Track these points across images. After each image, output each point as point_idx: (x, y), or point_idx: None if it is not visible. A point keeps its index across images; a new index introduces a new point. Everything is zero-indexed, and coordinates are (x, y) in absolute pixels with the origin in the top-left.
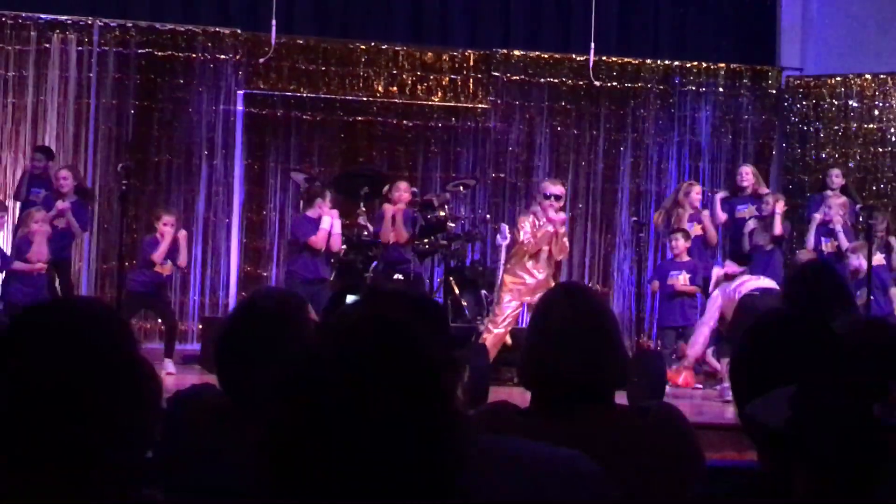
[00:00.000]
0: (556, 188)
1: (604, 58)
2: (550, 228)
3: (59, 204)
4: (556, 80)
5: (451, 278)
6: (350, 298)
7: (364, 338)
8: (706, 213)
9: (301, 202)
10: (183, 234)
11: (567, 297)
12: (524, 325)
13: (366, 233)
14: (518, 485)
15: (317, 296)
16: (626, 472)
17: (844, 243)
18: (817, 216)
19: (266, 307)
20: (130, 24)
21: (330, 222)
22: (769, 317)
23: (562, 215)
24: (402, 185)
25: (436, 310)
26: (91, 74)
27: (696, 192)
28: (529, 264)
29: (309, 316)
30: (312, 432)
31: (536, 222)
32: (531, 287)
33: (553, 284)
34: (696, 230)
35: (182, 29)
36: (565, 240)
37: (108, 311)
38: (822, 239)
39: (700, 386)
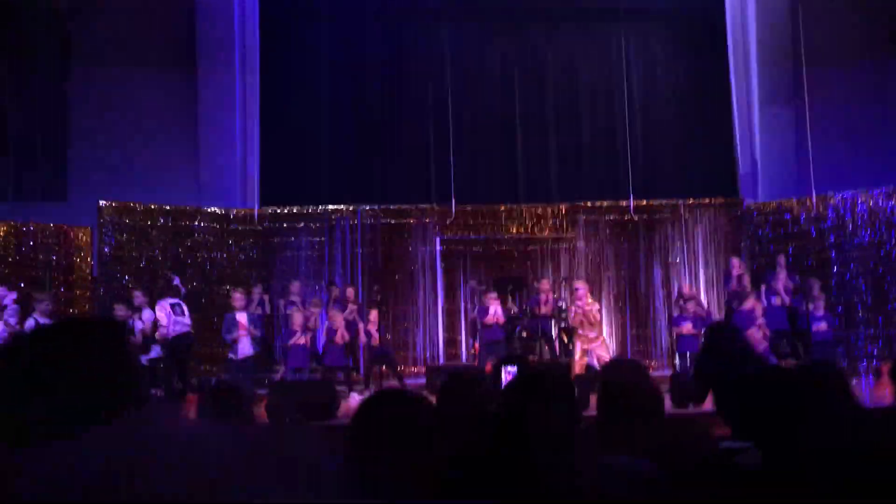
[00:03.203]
0: (577, 284)
1: (638, 202)
2: (580, 311)
3: (351, 306)
4: (612, 217)
5: (563, 333)
6: (505, 367)
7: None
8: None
9: (475, 297)
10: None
11: (627, 362)
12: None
13: (513, 311)
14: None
15: (497, 350)
16: (670, 452)
17: (786, 299)
18: (772, 283)
19: (462, 376)
20: (377, 206)
21: (494, 308)
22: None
23: (584, 301)
24: (546, 281)
25: (568, 387)
26: (356, 236)
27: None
28: (580, 330)
29: (478, 391)
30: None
31: (574, 308)
32: (585, 340)
33: (598, 337)
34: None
35: (405, 207)
36: (594, 313)
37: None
38: (772, 298)
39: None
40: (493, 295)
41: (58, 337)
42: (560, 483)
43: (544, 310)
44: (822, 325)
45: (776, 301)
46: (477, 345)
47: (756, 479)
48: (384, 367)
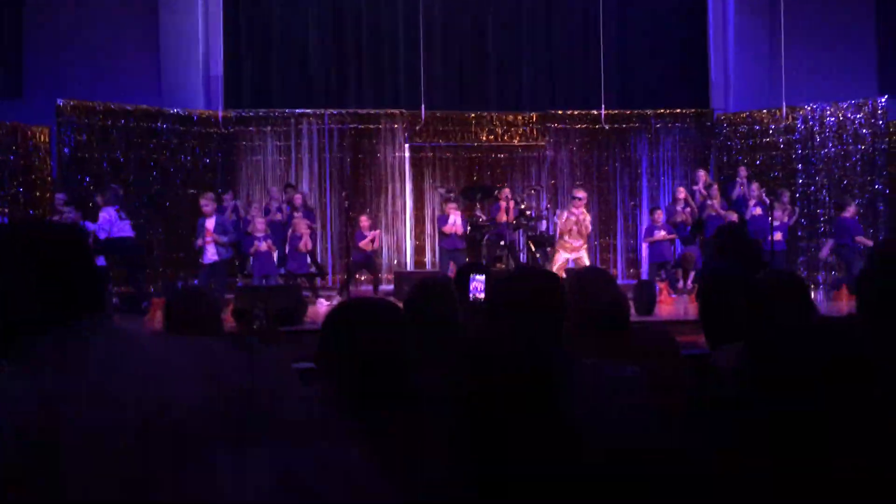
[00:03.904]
0: (579, 192)
1: (610, 111)
2: (573, 218)
3: (297, 213)
4: (583, 126)
5: (531, 242)
6: (474, 277)
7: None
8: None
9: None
10: (378, 232)
11: (595, 271)
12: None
13: (481, 219)
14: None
15: (456, 258)
16: (637, 359)
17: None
18: (744, 194)
19: (429, 284)
20: (345, 111)
21: (454, 218)
22: (715, 276)
23: (581, 209)
24: (507, 190)
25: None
26: (325, 141)
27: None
28: (566, 237)
29: (452, 291)
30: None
31: (568, 214)
32: (569, 248)
33: (582, 246)
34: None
35: (373, 112)
36: (587, 223)
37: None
38: (753, 208)
39: (675, 295)
40: (454, 204)
41: (14, 239)
42: (555, 390)
43: (505, 218)
44: (778, 235)
45: (758, 210)
46: None
47: (733, 379)
48: (364, 273)
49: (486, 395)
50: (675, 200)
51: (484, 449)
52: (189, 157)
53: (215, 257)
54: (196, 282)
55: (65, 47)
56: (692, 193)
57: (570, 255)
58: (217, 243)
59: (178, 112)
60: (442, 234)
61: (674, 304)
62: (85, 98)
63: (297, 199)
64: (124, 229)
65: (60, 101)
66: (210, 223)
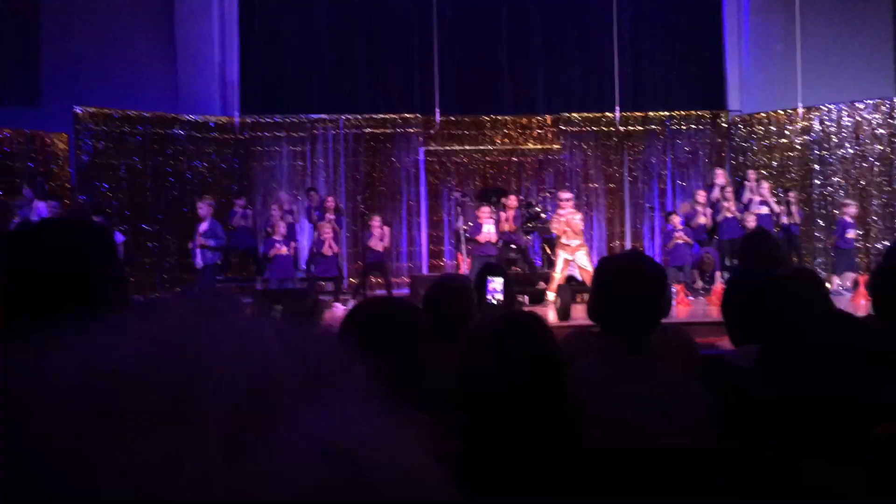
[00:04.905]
0: (564, 194)
1: (624, 113)
2: (563, 219)
3: (328, 216)
4: (597, 129)
5: (546, 245)
6: (491, 279)
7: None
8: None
9: (459, 209)
10: (387, 229)
11: (630, 258)
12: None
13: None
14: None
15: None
16: (657, 357)
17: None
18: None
19: (447, 283)
20: (360, 116)
21: (488, 227)
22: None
23: (567, 209)
24: (512, 198)
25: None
26: (339, 146)
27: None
28: (562, 239)
29: (471, 291)
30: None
31: (556, 216)
32: (568, 249)
33: (581, 245)
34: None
35: (388, 116)
36: (576, 221)
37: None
38: (761, 206)
39: (691, 297)
40: (487, 211)
41: (51, 235)
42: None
43: (506, 227)
44: (852, 234)
45: (764, 210)
46: (460, 255)
47: (751, 376)
48: (376, 276)
49: (489, 392)
50: (695, 203)
51: (486, 445)
52: (205, 164)
53: (199, 262)
54: (195, 288)
55: (81, 55)
56: (709, 190)
57: (569, 255)
58: (203, 247)
59: (194, 118)
60: (475, 241)
61: (691, 306)
62: (102, 105)
63: (330, 201)
64: None
65: (78, 109)
66: (203, 227)
